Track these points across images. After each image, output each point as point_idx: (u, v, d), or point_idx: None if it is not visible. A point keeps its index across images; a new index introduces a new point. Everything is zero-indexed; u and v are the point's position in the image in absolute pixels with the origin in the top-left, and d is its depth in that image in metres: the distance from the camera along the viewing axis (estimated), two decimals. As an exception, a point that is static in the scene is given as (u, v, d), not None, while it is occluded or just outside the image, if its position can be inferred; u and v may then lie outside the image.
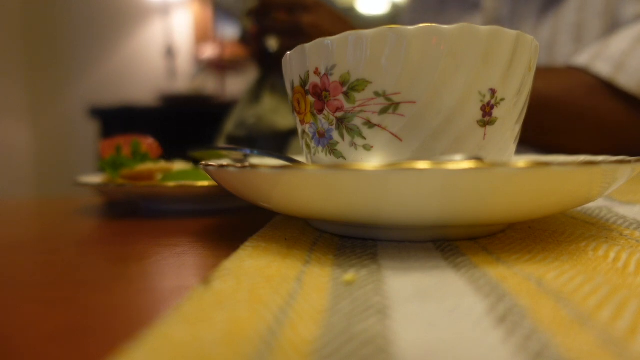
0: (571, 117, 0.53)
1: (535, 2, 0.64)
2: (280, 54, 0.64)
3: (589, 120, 0.53)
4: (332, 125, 0.22)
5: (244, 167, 0.19)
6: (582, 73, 0.53)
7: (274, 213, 0.25)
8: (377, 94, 0.21)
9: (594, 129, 0.54)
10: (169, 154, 0.45)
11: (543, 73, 0.53)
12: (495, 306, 0.12)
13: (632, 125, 0.53)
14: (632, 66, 0.51)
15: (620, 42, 0.53)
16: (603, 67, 0.52)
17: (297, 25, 0.60)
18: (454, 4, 0.75)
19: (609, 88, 0.52)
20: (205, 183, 0.32)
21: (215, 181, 0.23)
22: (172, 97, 1.95)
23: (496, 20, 0.68)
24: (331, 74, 0.21)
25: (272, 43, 0.63)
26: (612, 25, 0.57)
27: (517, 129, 0.23)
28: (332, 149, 0.23)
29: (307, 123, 0.24)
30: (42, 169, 2.30)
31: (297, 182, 0.17)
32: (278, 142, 0.73)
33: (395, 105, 0.21)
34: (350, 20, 0.67)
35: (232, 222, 0.30)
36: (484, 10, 0.69)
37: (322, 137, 0.23)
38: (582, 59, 0.54)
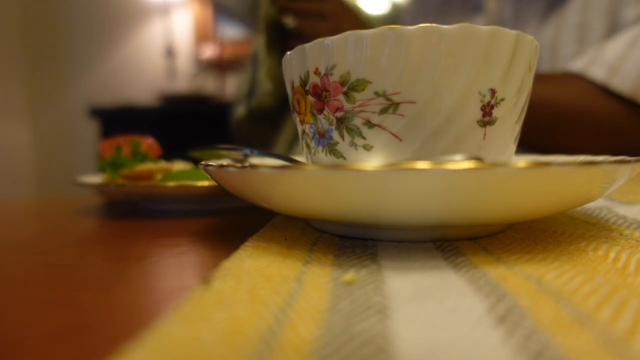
0: (567, 118, 0.54)
1: (538, 3, 0.64)
2: (294, 33, 0.62)
3: (584, 121, 0.54)
4: (332, 125, 0.22)
5: (244, 167, 0.19)
6: (578, 78, 0.54)
7: (274, 213, 0.25)
8: (377, 94, 0.21)
9: (590, 130, 0.54)
10: (169, 154, 0.45)
11: (537, 78, 0.53)
12: (495, 306, 0.12)
13: (628, 125, 0.54)
14: (626, 70, 0.52)
15: (614, 47, 0.54)
16: (598, 72, 0.53)
17: (319, 10, 0.61)
18: (456, 6, 0.75)
19: (604, 94, 0.53)
20: (205, 183, 0.32)
21: (215, 181, 0.23)
22: (172, 97, 1.95)
23: (499, 22, 0.68)
24: (331, 74, 0.21)
25: (289, 21, 0.64)
26: (615, 25, 0.57)
27: (517, 129, 0.23)
28: (332, 149, 0.23)
29: (307, 123, 0.24)
30: (42, 169, 2.30)
31: (297, 182, 0.17)
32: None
33: (395, 105, 0.21)
34: (361, 18, 0.67)
35: (232, 222, 0.30)
36: (486, 12, 0.69)
37: (322, 137, 0.23)
38: (577, 65, 0.55)
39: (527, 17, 0.65)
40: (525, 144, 0.55)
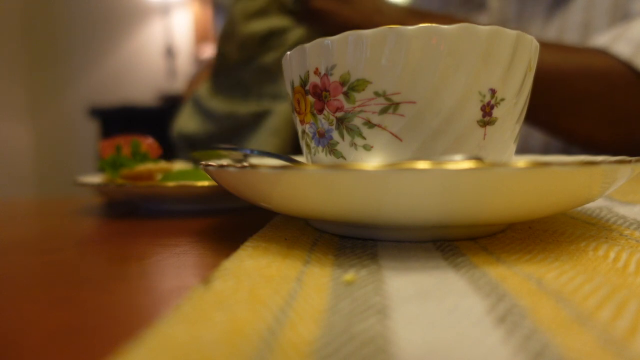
0: (585, 96, 0.51)
1: (542, 1, 0.64)
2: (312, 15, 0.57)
3: (603, 101, 0.51)
4: (332, 125, 0.22)
5: (244, 167, 0.19)
6: (602, 54, 0.51)
7: (274, 213, 0.25)
8: (377, 94, 0.21)
9: (607, 111, 0.51)
10: (169, 154, 0.45)
11: (561, 49, 0.51)
12: (495, 306, 0.12)
13: None
14: None
15: None
16: (624, 48, 0.50)
17: None
18: (458, 4, 0.74)
19: (627, 72, 0.50)
20: (205, 183, 0.32)
21: (215, 181, 0.23)
22: (172, 97, 1.95)
23: (502, 21, 0.67)
24: (331, 74, 0.21)
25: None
26: (621, 22, 0.56)
27: (517, 129, 0.23)
28: (332, 149, 0.23)
29: (307, 123, 0.24)
30: (42, 169, 2.30)
31: (297, 182, 0.17)
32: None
33: (395, 105, 0.21)
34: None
35: (232, 222, 0.30)
36: (489, 10, 0.69)
37: (322, 137, 0.23)
38: (602, 40, 0.52)
39: (531, 16, 0.65)
40: (539, 123, 0.53)
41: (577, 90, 0.50)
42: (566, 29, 0.60)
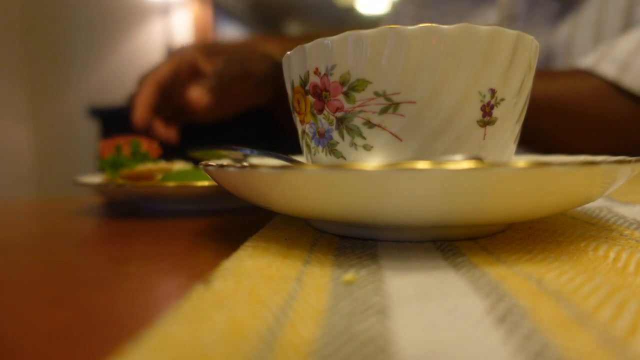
0: (576, 118, 0.52)
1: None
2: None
3: (593, 121, 0.52)
4: (332, 125, 0.22)
5: (244, 167, 0.19)
6: (587, 75, 0.52)
7: (274, 213, 0.25)
8: (377, 94, 0.21)
9: (599, 130, 0.52)
10: (169, 154, 0.45)
11: (547, 75, 0.52)
12: (495, 306, 0.12)
13: (638, 124, 0.52)
14: (637, 67, 0.50)
15: (625, 43, 0.52)
16: (608, 68, 0.51)
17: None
18: None
19: (614, 89, 0.51)
20: (205, 183, 0.32)
21: (215, 181, 0.23)
22: (172, 97, 1.94)
23: (511, 17, 0.66)
24: (331, 74, 0.21)
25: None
26: (630, 23, 0.56)
27: (517, 129, 0.23)
28: (332, 149, 0.23)
29: (307, 123, 0.24)
30: (42, 169, 2.30)
31: (297, 182, 0.17)
32: None
33: (395, 105, 0.21)
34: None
35: (232, 222, 0.30)
36: (498, 5, 0.68)
37: (322, 137, 0.23)
38: (587, 61, 0.53)
39: (542, 14, 0.64)
40: (532, 145, 0.54)
41: (568, 113, 0.52)
42: (578, 26, 0.60)
